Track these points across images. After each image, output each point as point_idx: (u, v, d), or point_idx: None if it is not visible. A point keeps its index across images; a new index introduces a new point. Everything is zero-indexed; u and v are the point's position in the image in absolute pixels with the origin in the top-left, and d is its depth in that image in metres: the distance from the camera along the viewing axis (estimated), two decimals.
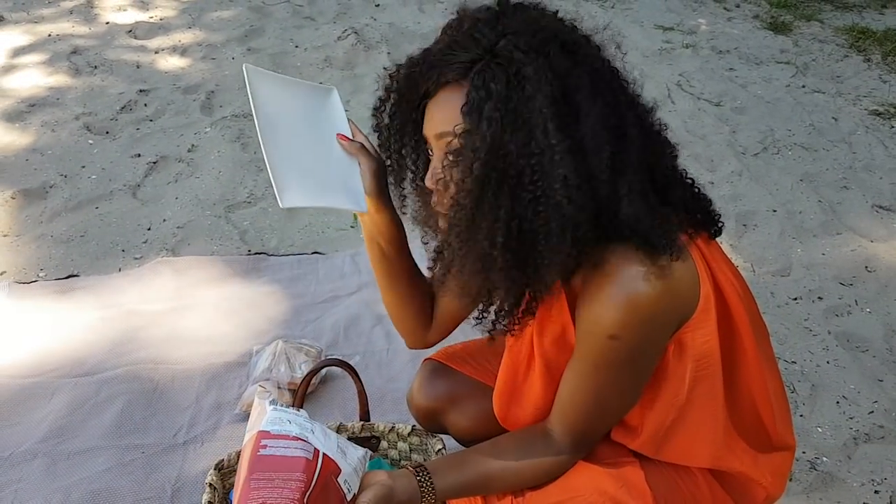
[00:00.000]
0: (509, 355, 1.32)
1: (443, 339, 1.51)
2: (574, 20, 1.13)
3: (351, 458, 1.25)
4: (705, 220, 1.19)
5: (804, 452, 1.95)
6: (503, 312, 1.17)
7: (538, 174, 1.00)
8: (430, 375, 1.62)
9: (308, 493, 1.15)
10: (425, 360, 1.67)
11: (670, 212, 1.10)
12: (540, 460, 1.22)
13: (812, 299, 2.51)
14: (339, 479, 1.21)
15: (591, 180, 1.01)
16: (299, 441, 1.21)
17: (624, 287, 1.04)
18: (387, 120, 1.17)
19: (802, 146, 3.38)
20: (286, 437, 1.21)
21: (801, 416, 2.07)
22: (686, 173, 1.20)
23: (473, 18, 1.06)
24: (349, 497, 1.21)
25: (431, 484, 1.21)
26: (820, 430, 2.03)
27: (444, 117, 1.06)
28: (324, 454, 1.22)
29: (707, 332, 1.12)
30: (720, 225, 1.22)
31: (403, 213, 1.28)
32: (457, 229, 1.06)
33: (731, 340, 1.18)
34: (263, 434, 1.22)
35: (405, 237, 1.37)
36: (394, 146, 1.17)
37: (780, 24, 4.59)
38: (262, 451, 1.19)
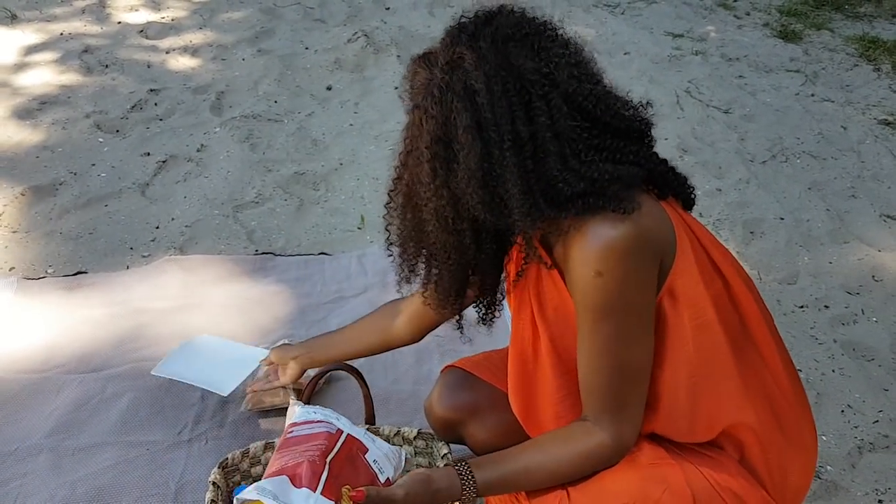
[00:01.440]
0: (514, 345, 1.34)
1: (423, 336, 1.66)
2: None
3: (381, 446, 1.33)
4: (675, 190, 1.26)
5: None
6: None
7: (424, 203, 1.19)
8: (451, 385, 1.61)
9: (331, 456, 1.21)
10: (446, 367, 1.67)
11: (630, 170, 1.17)
12: (580, 445, 1.23)
13: (818, 307, 2.50)
14: (367, 457, 1.26)
15: (466, 212, 1.17)
16: (323, 423, 1.29)
17: (595, 234, 1.12)
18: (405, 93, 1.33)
19: (811, 154, 3.38)
20: (311, 422, 1.29)
21: None
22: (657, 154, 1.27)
23: (446, 35, 1.22)
24: (382, 479, 1.25)
25: (472, 476, 1.23)
26: (825, 438, 2.03)
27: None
28: (348, 433, 1.28)
29: (692, 276, 1.18)
30: (692, 195, 1.29)
31: None
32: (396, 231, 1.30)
33: (735, 301, 1.23)
34: (291, 425, 1.28)
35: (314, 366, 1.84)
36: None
37: (790, 33, 4.59)
38: (288, 436, 1.26)
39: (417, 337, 1.66)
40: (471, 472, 1.23)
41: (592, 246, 1.12)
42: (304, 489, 1.16)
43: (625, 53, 4.20)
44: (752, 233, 2.85)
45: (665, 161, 1.27)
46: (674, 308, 1.19)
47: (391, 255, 1.35)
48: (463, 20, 1.20)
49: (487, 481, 1.24)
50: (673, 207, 1.22)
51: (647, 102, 1.26)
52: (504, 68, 1.12)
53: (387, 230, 1.33)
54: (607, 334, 1.17)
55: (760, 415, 1.26)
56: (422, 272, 1.31)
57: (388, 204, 1.30)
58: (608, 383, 1.20)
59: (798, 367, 2.25)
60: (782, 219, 2.93)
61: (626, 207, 1.12)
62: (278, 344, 2.03)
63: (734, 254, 2.68)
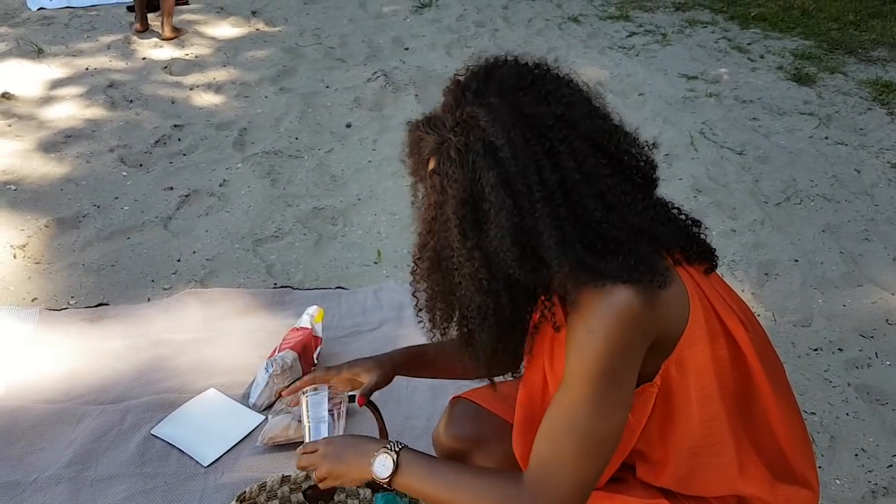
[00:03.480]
0: (525, 388, 1.34)
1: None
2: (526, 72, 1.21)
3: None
4: (699, 253, 1.25)
5: None
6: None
7: (455, 265, 1.17)
8: (457, 415, 1.61)
9: None
10: (453, 398, 1.68)
11: (650, 245, 1.15)
12: (498, 487, 1.17)
13: (832, 350, 2.50)
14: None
15: (499, 272, 1.14)
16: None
17: (605, 301, 1.10)
18: (408, 162, 1.31)
19: (825, 197, 3.40)
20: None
21: (819, 467, 2.06)
22: (676, 210, 1.27)
23: (448, 96, 1.21)
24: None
25: (398, 448, 1.24)
26: (838, 482, 2.02)
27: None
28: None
29: (702, 347, 1.17)
30: (715, 259, 1.27)
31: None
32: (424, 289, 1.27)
33: (738, 364, 1.22)
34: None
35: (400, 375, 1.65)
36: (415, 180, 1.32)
37: (803, 76, 4.64)
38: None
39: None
40: (400, 446, 1.24)
41: (596, 305, 1.10)
42: None
43: (639, 94, 4.25)
44: (766, 274, 2.86)
45: (697, 222, 1.28)
46: (681, 378, 1.18)
47: (420, 322, 1.31)
48: (461, 79, 1.19)
49: (409, 462, 1.22)
50: (689, 273, 1.20)
51: (654, 143, 1.27)
52: (519, 119, 1.12)
53: (414, 296, 1.30)
54: (579, 394, 1.12)
55: (758, 481, 1.25)
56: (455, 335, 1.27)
57: (414, 271, 1.27)
58: (555, 440, 1.14)
59: (811, 411, 2.26)
60: (796, 260, 2.94)
61: (660, 281, 1.11)
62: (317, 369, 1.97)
63: (748, 295, 2.69)
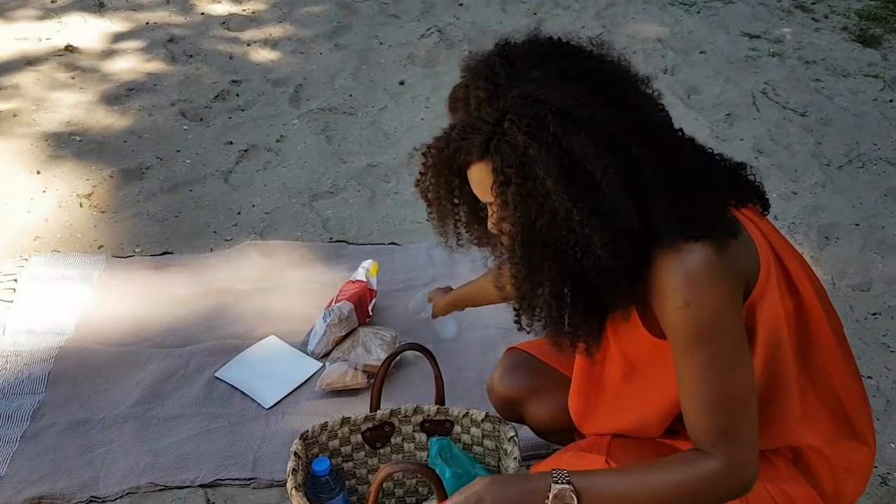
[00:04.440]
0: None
1: None
2: (570, 41, 1.21)
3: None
4: (751, 193, 1.26)
5: (876, 467, 1.93)
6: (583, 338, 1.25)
7: (572, 241, 1.11)
8: (512, 365, 1.65)
9: None
10: (508, 349, 1.71)
11: (713, 195, 1.17)
12: (690, 471, 1.15)
13: (892, 315, 2.46)
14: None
15: (622, 228, 1.10)
16: None
17: (682, 264, 1.11)
18: (431, 187, 1.29)
19: (888, 161, 3.31)
20: None
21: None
22: (720, 155, 1.27)
23: (476, 96, 1.21)
24: None
25: (567, 477, 1.16)
26: (893, 445, 2.01)
27: (481, 190, 1.19)
28: None
29: (772, 296, 1.17)
30: (766, 198, 1.28)
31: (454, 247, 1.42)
32: (523, 289, 1.20)
33: (803, 313, 1.22)
34: None
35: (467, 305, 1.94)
36: (440, 205, 1.30)
37: (869, 37, 4.48)
38: None
39: None
40: (566, 475, 1.16)
41: (677, 275, 1.11)
42: None
43: (700, 52, 4.16)
44: (826, 238, 2.81)
45: (742, 164, 1.29)
46: (752, 325, 1.19)
47: (520, 324, 1.28)
48: (478, 83, 1.23)
49: (588, 486, 1.15)
50: (751, 219, 1.21)
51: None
52: (568, 80, 1.13)
53: (522, 297, 1.22)
54: (702, 363, 1.14)
55: (819, 430, 1.26)
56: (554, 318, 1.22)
57: (515, 279, 1.20)
58: (709, 412, 1.15)
59: (868, 374, 2.23)
60: (857, 225, 2.88)
61: (730, 231, 1.13)
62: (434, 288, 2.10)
63: (808, 258, 2.65)
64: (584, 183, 1.09)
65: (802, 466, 1.29)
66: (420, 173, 1.29)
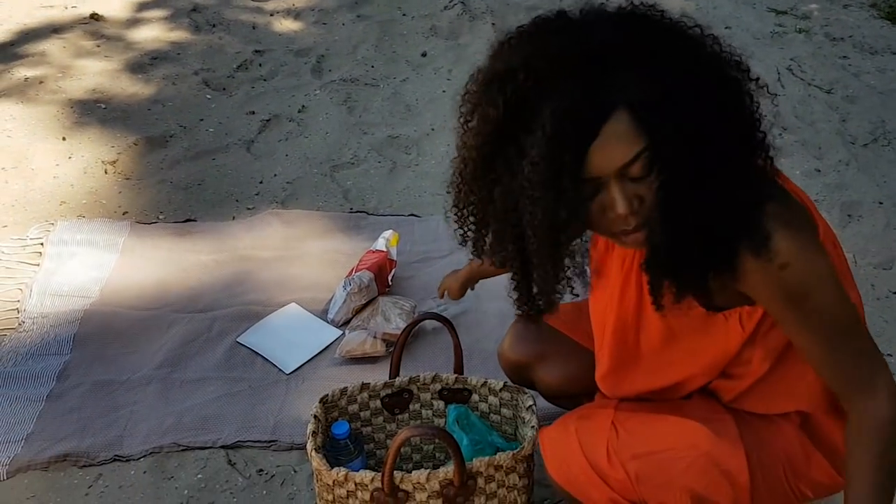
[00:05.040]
0: (614, 314, 1.33)
1: None
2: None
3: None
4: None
5: None
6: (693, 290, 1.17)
7: (729, 155, 1.06)
8: (521, 331, 1.68)
9: None
10: (518, 316, 1.73)
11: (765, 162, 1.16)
12: (870, 432, 1.15)
13: None
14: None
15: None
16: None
17: (767, 231, 1.10)
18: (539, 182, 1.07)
19: None
20: None
21: None
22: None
23: (550, 58, 1.02)
24: None
25: None
26: None
27: (621, 147, 1.03)
28: None
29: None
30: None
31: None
32: (679, 220, 1.07)
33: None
34: None
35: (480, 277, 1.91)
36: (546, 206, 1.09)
37: None
38: None
39: None
40: None
41: (770, 240, 1.10)
42: None
43: (726, 28, 4.11)
44: (849, 216, 2.79)
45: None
46: None
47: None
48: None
49: None
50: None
51: None
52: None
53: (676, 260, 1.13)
54: (819, 315, 1.13)
55: (829, 396, 1.26)
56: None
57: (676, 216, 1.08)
58: (849, 359, 1.16)
59: (888, 353, 2.22)
60: (881, 203, 2.86)
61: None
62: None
63: None
64: (738, 99, 1.10)
65: (811, 432, 1.30)
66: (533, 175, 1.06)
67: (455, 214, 1.23)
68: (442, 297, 1.99)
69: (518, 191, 1.07)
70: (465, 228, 1.23)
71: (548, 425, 1.46)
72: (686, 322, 1.25)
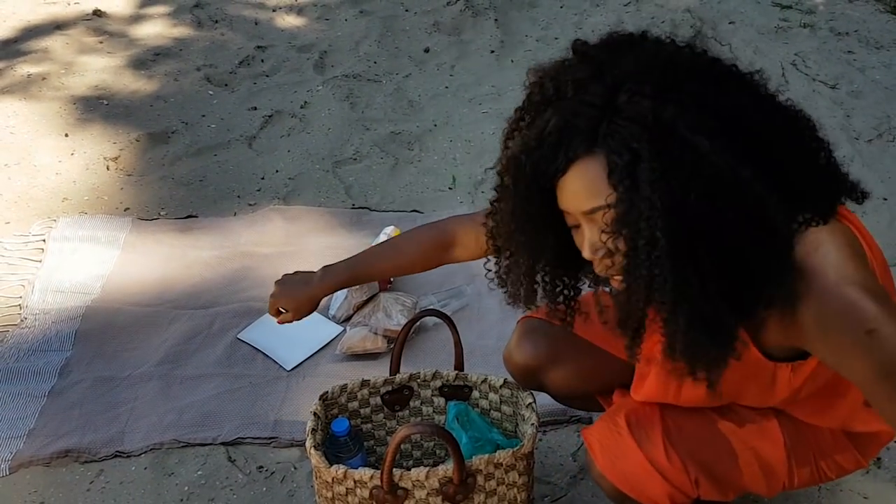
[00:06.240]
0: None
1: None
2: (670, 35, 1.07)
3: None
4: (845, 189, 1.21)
5: None
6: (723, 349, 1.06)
7: (741, 216, 0.94)
8: (527, 332, 1.62)
9: None
10: (522, 317, 1.71)
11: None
12: None
13: None
14: None
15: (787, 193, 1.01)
16: None
17: (831, 294, 1.01)
18: (514, 218, 1.09)
19: None
20: None
21: None
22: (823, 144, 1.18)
23: (572, 81, 0.98)
24: None
25: None
26: None
27: (588, 192, 0.99)
28: None
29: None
30: (861, 191, 1.21)
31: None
32: (659, 293, 0.98)
33: None
34: None
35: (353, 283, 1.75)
36: (526, 238, 1.11)
37: None
38: None
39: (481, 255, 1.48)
40: None
41: (840, 308, 1.01)
42: None
43: (730, 23, 4.09)
44: (853, 212, 2.78)
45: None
46: None
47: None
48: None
49: None
50: (845, 216, 1.19)
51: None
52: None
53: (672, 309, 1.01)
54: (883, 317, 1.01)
55: (876, 418, 1.24)
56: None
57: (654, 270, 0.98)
58: None
59: None
60: (885, 199, 2.85)
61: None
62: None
63: None
64: (747, 143, 0.95)
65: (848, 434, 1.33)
66: (494, 202, 1.10)
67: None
68: (276, 314, 1.74)
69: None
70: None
71: (557, 427, 1.44)
72: (732, 369, 1.15)
